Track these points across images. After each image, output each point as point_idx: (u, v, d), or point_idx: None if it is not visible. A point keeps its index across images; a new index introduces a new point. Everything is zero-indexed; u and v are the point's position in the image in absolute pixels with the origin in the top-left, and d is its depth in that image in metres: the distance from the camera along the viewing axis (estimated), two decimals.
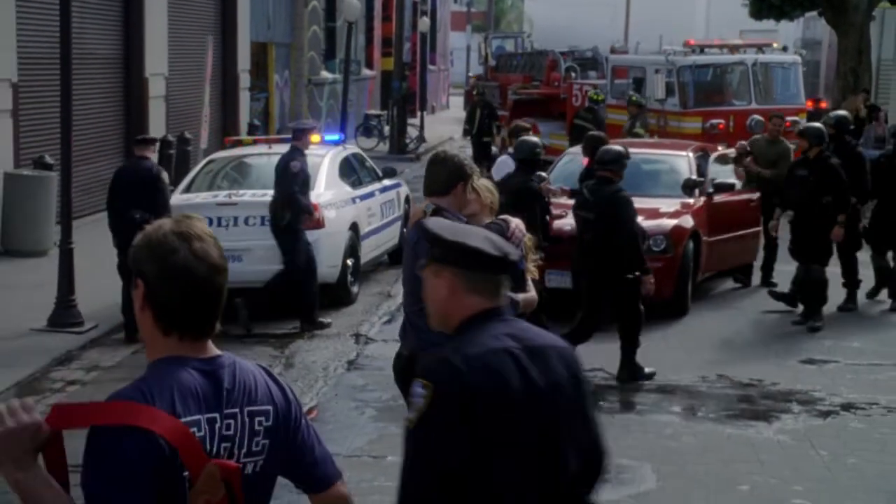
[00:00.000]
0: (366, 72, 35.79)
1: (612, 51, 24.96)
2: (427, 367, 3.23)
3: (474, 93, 25.83)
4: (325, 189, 12.55)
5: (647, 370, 9.73)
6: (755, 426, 8.67)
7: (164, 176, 11.72)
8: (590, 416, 3.33)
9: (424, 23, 37.92)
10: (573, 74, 24.37)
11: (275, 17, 26.95)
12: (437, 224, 3.57)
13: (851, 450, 8.22)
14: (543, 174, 13.23)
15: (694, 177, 13.04)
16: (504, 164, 11.99)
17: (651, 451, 7.99)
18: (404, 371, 5.89)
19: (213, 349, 2.95)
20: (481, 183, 6.08)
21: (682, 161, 13.46)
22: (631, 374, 9.69)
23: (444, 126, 39.93)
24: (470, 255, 3.30)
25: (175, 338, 2.84)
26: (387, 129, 31.70)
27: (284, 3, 27.82)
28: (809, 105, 23.32)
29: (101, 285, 12.00)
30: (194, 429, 2.74)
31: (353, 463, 7.86)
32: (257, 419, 2.91)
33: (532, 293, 5.95)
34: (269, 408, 2.96)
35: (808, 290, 11.47)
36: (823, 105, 28.42)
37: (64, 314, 11.38)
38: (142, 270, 2.82)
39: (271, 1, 26.57)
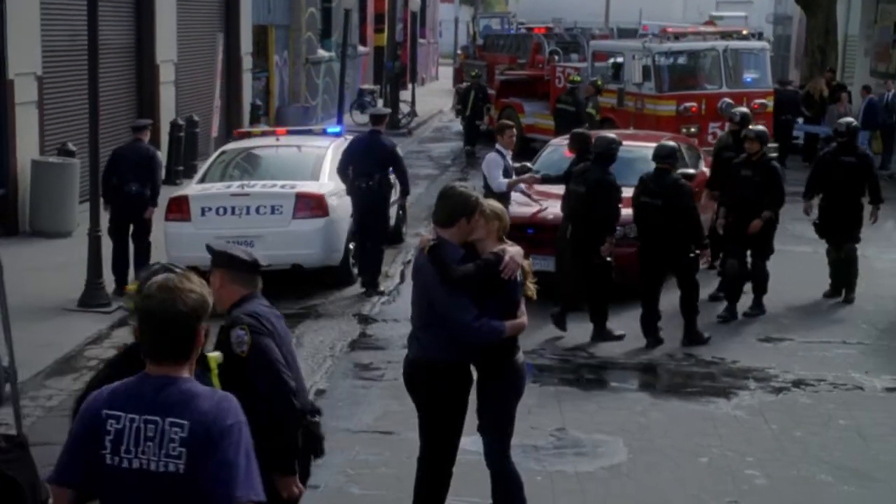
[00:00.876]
0: (360, 48, 36.20)
1: (593, 37, 25.49)
2: (240, 321, 5.22)
3: (472, 74, 26.02)
4: (329, 179, 13.15)
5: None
6: (716, 402, 9.39)
7: (158, 156, 13.14)
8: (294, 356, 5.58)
9: (415, 2, 38.35)
10: (556, 57, 24.94)
11: (274, 0, 27.41)
12: (218, 244, 5.62)
13: (799, 423, 8.95)
14: (528, 164, 13.98)
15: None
16: (493, 161, 12.48)
17: (623, 427, 8.70)
18: (411, 376, 6.58)
19: (177, 372, 3.68)
20: (491, 209, 6.41)
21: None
22: (692, 340, 10.77)
23: (434, 98, 40.29)
24: (230, 260, 5.40)
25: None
26: (380, 104, 32.19)
27: None
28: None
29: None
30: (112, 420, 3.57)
31: (363, 438, 8.56)
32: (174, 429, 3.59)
33: (521, 319, 6.39)
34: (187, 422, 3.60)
35: (755, 281, 11.97)
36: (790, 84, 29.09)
37: (93, 295, 12.04)
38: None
39: None
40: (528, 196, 12.90)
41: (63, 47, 16.46)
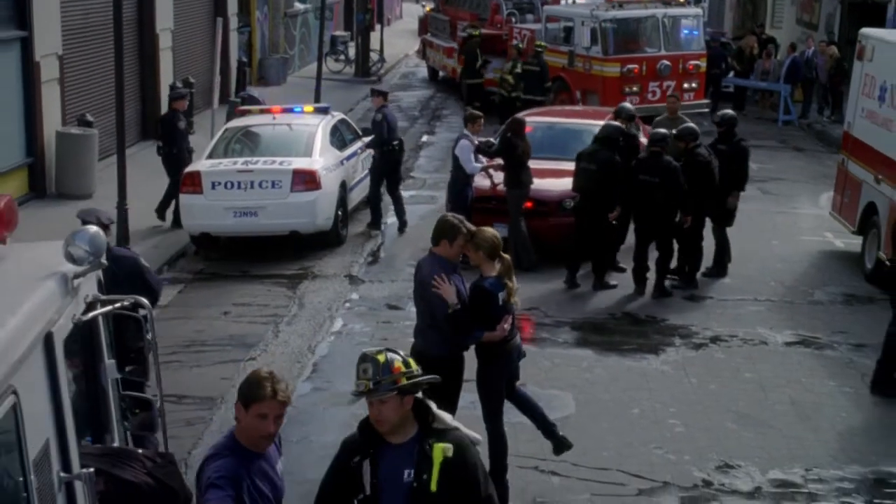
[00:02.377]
0: None
1: (545, 2, 26.35)
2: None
3: (466, 34, 25.57)
4: (320, 156, 14.23)
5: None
6: (647, 358, 10.69)
7: (181, 124, 14.98)
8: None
9: None
10: (513, 19, 25.85)
11: None
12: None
13: (713, 377, 10.28)
14: (492, 140, 15.11)
15: None
16: (466, 148, 13.42)
17: (572, 382, 9.99)
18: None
19: None
20: (479, 240, 7.49)
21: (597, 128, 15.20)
22: (660, 293, 12.37)
23: (401, 40, 40.68)
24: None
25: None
26: (352, 52, 32.89)
27: None
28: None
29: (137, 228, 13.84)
30: None
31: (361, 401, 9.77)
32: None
33: (496, 332, 7.55)
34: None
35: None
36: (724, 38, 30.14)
37: None
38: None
39: None
40: (488, 172, 13.96)
41: (79, 25, 17.27)
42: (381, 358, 4.51)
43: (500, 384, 7.89)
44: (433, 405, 4.66)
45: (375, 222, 15.26)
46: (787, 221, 16.10)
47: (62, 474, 3.99)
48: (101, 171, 16.73)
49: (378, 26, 36.79)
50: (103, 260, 4.41)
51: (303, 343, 11.02)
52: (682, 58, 22.62)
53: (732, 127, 13.52)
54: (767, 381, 10.20)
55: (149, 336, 4.78)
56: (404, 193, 15.96)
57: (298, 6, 32.12)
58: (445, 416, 4.68)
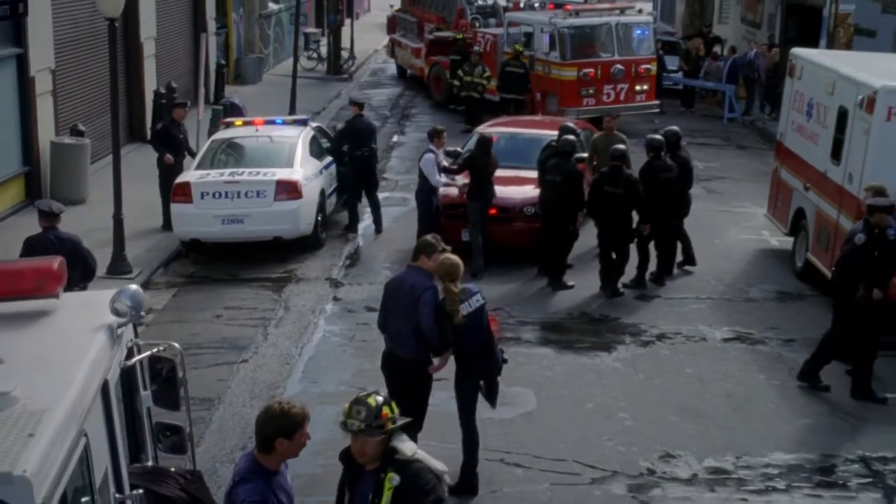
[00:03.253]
0: None
1: (506, 9, 26.97)
2: None
3: (432, 37, 26.44)
4: (301, 166, 14.86)
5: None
6: (601, 356, 11.48)
7: (180, 133, 15.71)
8: None
9: None
10: (477, 23, 26.49)
11: None
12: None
13: (659, 372, 11.09)
14: (459, 149, 15.82)
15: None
16: (430, 162, 14.10)
17: (533, 379, 10.75)
18: (401, 366, 8.57)
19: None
20: (442, 260, 8.32)
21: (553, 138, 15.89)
22: (614, 293, 13.23)
23: (370, 35, 41.07)
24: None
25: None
26: (324, 50, 33.37)
27: None
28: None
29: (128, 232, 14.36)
30: None
31: (342, 393, 10.40)
32: None
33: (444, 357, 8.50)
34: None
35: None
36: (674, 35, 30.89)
37: (119, 265, 13.77)
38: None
39: None
40: (454, 182, 14.62)
41: (69, 39, 17.75)
42: (372, 402, 5.20)
43: (474, 384, 8.63)
44: (399, 441, 5.24)
45: (352, 226, 15.95)
46: (728, 220, 16.93)
47: (117, 495, 4.71)
48: (93, 175, 17.30)
49: (348, 21, 37.24)
50: (143, 312, 5.10)
51: (290, 345, 11.71)
52: (635, 62, 23.42)
53: (673, 144, 14.05)
54: (706, 375, 11.02)
55: (180, 374, 5.46)
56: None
57: (272, 6, 32.56)
58: (407, 449, 5.24)
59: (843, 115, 12.99)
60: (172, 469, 5.48)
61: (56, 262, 5.21)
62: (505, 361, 8.73)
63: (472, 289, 8.52)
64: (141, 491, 4.80)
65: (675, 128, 14.67)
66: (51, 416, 3.98)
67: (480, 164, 13.79)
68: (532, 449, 9.26)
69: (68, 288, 10.06)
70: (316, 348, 11.67)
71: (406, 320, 8.45)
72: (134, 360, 5.22)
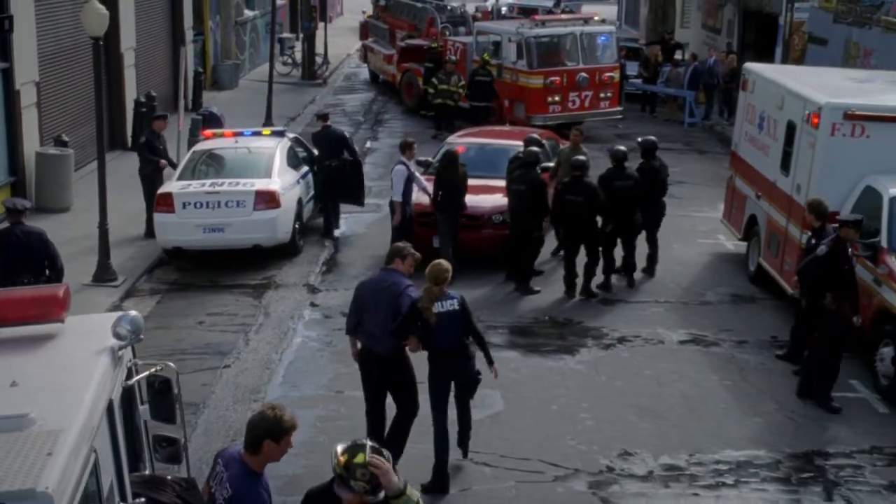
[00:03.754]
0: (278, 2, 37.27)
1: (475, 18, 27.38)
2: None
3: (404, 45, 26.67)
4: (279, 177, 15.23)
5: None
6: (564, 359, 11.95)
7: (160, 144, 16.02)
8: None
9: None
10: (447, 32, 26.90)
11: None
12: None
13: (619, 374, 11.57)
14: (430, 159, 16.25)
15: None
16: (399, 174, 14.45)
17: (501, 382, 10.93)
18: (380, 362, 9.09)
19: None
20: (433, 264, 8.92)
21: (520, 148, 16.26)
22: (587, 294, 13.81)
23: (343, 39, 41.18)
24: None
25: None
26: (298, 55, 33.60)
27: None
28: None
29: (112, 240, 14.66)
30: None
31: (321, 397, 10.89)
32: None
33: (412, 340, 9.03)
34: None
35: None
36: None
37: (104, 273, 14.11)
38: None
39: None
40: (426, 191, 15.03)
41: (52, 52, 18.01)
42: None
43: (443, 384, 9.08)
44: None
45: (327, 232, 16.33)
46: (686, 224, 17.43)
47: (121, 503, 5.11)
48: (76, 182, 17.58)
49: (322, 24, 37.41)
50: (141, 336, 5.50)
51: (270, 350, 12.10)
52: (599, 70, 23.94)
53: (648, 152, 14.77)
54: (663, 376, 11.52)
55: (176, 391, 5.85)
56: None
57: (248, 13, 32.80)
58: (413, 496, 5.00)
59: (791, 129, 13.53)
60: (169, 477, 5.87)
61: (61, 289, 5.59)
62: (478, 381, 9.24)
63: (452, 294, 8.97)
64: (143, 500, 5.20)
65: (652, 137, 15.32)
66: (66, 437, 4.37)
67: (446, 177, 14.20)
68: (499, 449, 9.71)
69: (37, 278, 10.76)
70: (295, 353, 12.07)
71: (384, 317, 8.94)
72: (134, 380, 5.61)
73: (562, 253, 14.55)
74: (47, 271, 11.24)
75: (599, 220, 13.94)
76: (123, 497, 5.16)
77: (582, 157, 14.30)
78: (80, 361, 5.24)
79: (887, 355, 11.00)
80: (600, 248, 13.95)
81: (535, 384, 11.26)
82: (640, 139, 15.36)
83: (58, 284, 5.65)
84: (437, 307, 8.83)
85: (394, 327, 8.92)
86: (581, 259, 13.92)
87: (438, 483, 9.04)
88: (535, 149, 14.38)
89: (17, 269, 11.03)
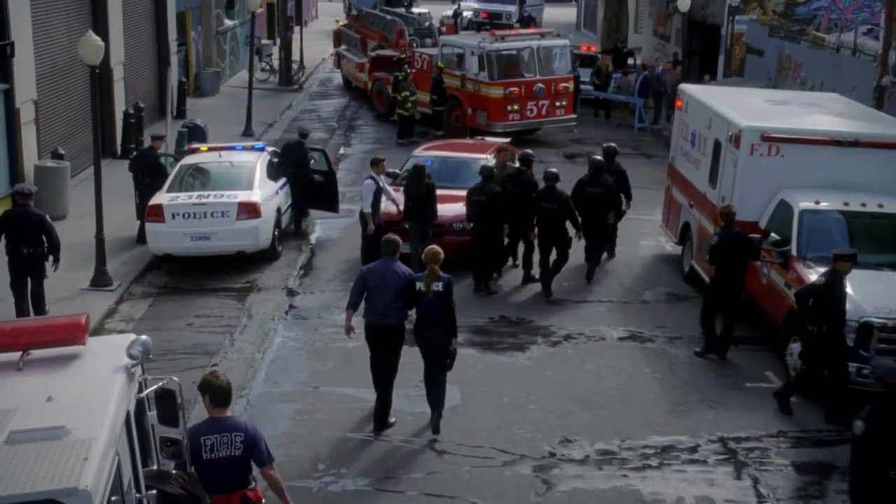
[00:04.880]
0: (257, 11, 37.85)
1: (440, 32, 28.22)
2: None
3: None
4: (259, 188, 16.08)
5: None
6: (516, 356, 12.90)
7: (163, 160, 17.02)
8: None
9: None
10: (414, 43, 27.75)
11: None
12: None
13: (563, 369, 12.53)
14: (397, 171, 17.13)
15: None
16: (368, 188, 15.28)
17: (459, 378, 11.98)
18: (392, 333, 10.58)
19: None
20: (429, 248, 10.60)
21: (482, 160, 17.22)
22: (547, 296, 14.84)
23: (318, 43, 41.84)
24: None
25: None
26: (276, 62, 34.31)
27: None
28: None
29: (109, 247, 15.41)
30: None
31: (299, 392, 11.75)
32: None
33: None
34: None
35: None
36: (593, 48, 32.40)
37: (101, 278, 14.90)
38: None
39: None
40: (394, 202, 15.91)
41: (48, 71, 18.73)
42: None
43: (424, 348, 10.75)
44: None
45: (297, 227, 17.64)
46: (631, 227, 18.32)
47: (137, 495, 6.02)
48: (72, 190, 18.31)
49: (297, 28, 37.99)
50: (150, 356, 6.39)
51: (254, 350, 12.98)
52: (554, 81, 24.91)
53: (610, 157, 16.21)
54: (602, 370, 12.51)
55: (179, 401, 6.74)
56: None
57: (228, 23, 33.46)
58: None
59: (717, 147, 14.55)
60: (173, 471, 6.78)
61: (83, 318, 6.47)
62: (454, 351, 10.74)
63: (443, 276, 10.55)
64: (154, 491, 6.11)
65: (612, 144, 16.84)
66: (97, 444, 5.27)
67: (412, 189, 15.10)
68: (456, 437, 10.66)
69: (40, 255, 12.88)
70: (276, 352, 12.93)
71: (393, 297, 10.42)
72: (144, 392, 6.50)
73: (519, 262, 15.61)
74: (46, 244, 13.03)
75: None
76: (139, 489, 6.07)
77: (554, 170, 15.36)
78: (101, 378, 6.12)
79: (795, 350, 12.04)
80: (569, 251, 15.05)
81: (489, 379, 12.19)
82: (604, 144, 16.75)
83: (79, 314, 6.48)
84: (435, 286, 10.36)
85: (404, 303, 10.59)
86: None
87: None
88: (490, 164, 15.32)
89: (20, 241, 12.95)
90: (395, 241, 10.85)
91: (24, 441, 5.19)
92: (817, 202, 13.04)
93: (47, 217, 13.32)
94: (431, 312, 10.51)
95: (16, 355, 6.12)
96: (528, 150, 16.79)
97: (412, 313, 10.80)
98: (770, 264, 12.82)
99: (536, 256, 15.17)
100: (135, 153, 17.09)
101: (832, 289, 11.09)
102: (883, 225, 13.07)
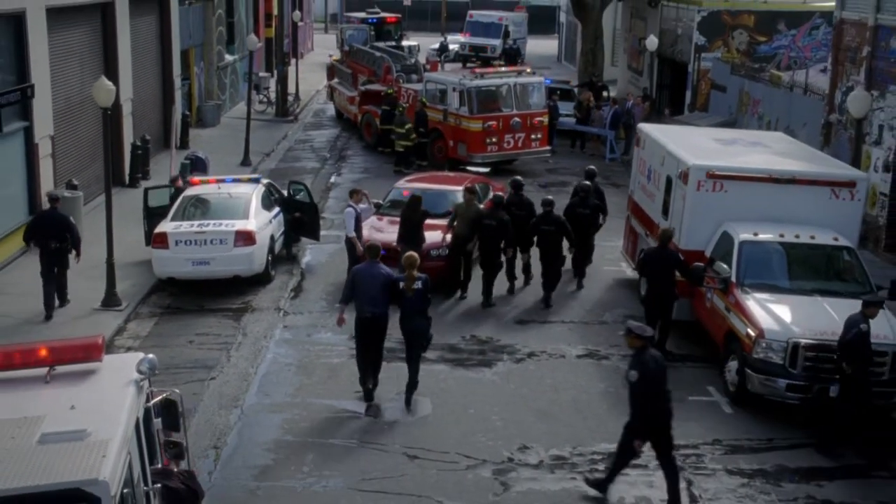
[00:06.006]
0: (256, 44, 38.91)
1: (425, 69, 29.25)
2: None
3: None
4: (254, 218, 17.04)
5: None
6: (483, 371, 13.81)
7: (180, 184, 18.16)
8: None
9: (297, 15, 41.19)
10: (401, 80, 28.80)
11: (193, 28, 30.28)
12: None
13: (525, 383, 13.44)
14: (380, 201, 18.11)
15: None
16: (349, 215, 16.31)
17: (431, 391, 12.98)
18: (375, 321, 12.16)
19: None
20: (407, 255, 12.25)
21: (458, 193, 18.08)
22: (547, 304, 16.46)
23: (312, 75, 42.92)
24: None
25: None
26: (272, 94, 35.33)
27: (198, 15, 31.10)
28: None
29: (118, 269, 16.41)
30: None
31: (288, 404, 12.63)
32: None
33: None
34: None
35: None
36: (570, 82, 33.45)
37: (111, 299, 15.82)
38: None
39: (190, 17, 29.90)
40: (380, 229, 16.89)
41: (63, 109, 19.69)
42: None
43: (406, 336, 12.52)
44: None
45: (288, 253, 18.63)
46: (596, 253, 19.23)
47: (144, 488, 6.95)
48: (84, 216, 19.19)
49: (294, 60, 39.03)
50: (156, 372, 7.33)
51: (248, 365, 13.89)
52: (530, 115, 25.94)
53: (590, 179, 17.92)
54: (560, 385, 13.43)
55: (181, 409, 7.69)
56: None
57: (228, 58, 34.49)
58: None
59: (669, 182, 15.56)
60: (175, 469, 7.71)
61: (100, 338, 7.42)
62: (430, 337, 12.38)
63: (420, 276, 12.36)
64: (159, 485, 7.05)
65: (592, 167, 18.93)
66: (113, 444, 6.21)
67: (408, 216, 16.11)
68: (426, 444, 11.58)
69: (65, 249, 15.18)
70: (268, 367, 13.83)
71: (380, 291, 12.35)
72: (151, 402, 7.44)
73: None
74: (69, 239, 15.31)
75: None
76: (146, 483, 7.01)
77: (550, 197, 17.05)
78: (115, 390, 7.07)
79: (733, 367, 13.01)
80: (561, 268, 16.70)
81: (458, 392, 13.11)
82: (586, 167, 19.02)
83: (96, 335, 7.42)
84: (415, 285, 12.28)
85: (389, 299, 12.42)
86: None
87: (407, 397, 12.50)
88: (500, 194, 17.37)
89: (49, 237, 15.27)
90: (378, 246, 12.93)
91: (52, 442, 6.13)
92: (755, 234, 14.01)
93: (70, 218, 15.63)
94: (413, 306, 12.37)
95: (43, 371, 7.07)
96: (518, 177, 18.50)
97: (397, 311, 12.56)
98: (713, 290, 13.79)
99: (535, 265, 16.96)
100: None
101: (864, 334, 11.59)
102: (814, 255, 14.05)
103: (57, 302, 15.38)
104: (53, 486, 5.72)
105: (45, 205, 16.22)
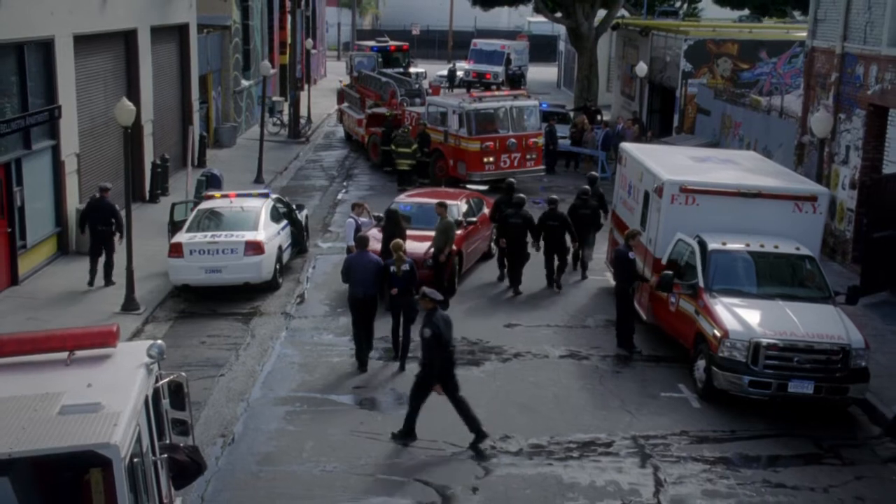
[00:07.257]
0: (270, 70, 39.67)
1: (428, 93, 29.92)
2: None
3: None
4: (263, 230, 17.64)
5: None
6: (471, 370, 14.31)
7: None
8: None
9: (309, 42, 41.99)
10: (405, 103, 29.47)
11: (211, 55, 31.05)
12: None
13: (510, 381, 13.95)
14: (380, 214, 18.67)
15: (461, 217, 18.58)
16: (350, 227, 17.05)
17: None
18: (365, 300, 13.60)
19: None
20: (395, 242, 13.68)
21: (454, 206, 18.78)
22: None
23: (325, 100, 43.68)
24: None
25: None
26: (286, 117, 36.06)
27: (216, 43, 31.89)
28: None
29: (137, 277, 17.08)
30: None
31: (290, 398, 13.18)
32: None
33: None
34: None
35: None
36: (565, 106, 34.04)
37: (130, 304, 16.41)
38: None
39: (208, 44, 30.67)
40: (380, 240, 17.38)
41: (88, 128, 20.37)
42: None
43: (395, 311, 14.21)
44: None
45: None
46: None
47: (153, 458, 7.51)
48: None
49: (306, 86, 39.78)
50: (164, 356, 7.90)
51: (254, 363, 14.45)
52: (525, 136, 26.53)
53: (591, 183, 19.31)
54: (542, 382, 13.94)
55: (186, 391, 8.24)
56: (322, 245, 19.71)
57: (244, 83, 35.25)
58: None
59: (647, 196, 16.11)
60: (181, 444, 8.26)
61: (115, 327, 8.00)
62: (417, 311, 13.15)
63: (408, 259, 14.01)
64: (165, 455, 7.60)
65: (594, 173, 20.24)
66: (123, 416, 6.78)
67: (390, 231, 16.61)
68: (417, 433, 12.10)
69: (110, 233, 17.19)
70: (273, 365, 14.39)
71: (370, 275, 13.90)
72: (160, 383, 8.01)
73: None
74: (114, 224, 17.22)
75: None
76: (154, 453, 7.57)
77: (555, 196, 18.65)
78: (127, 371, 7.64)
79: (701, 366, 13.52)
80: (568, 257, 18.23)
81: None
82: (590, 173, 20.91)
83: (111, 324, 8.01)
84: (403, 267, 13.84)
85: (379, 281, 14.05)
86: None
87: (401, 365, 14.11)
88: (522, 195, 18.72)
89: (97, 221, 17.21)
90: (367, 237, 14.49)
91: (70, 413, 6.71)
92: (724, 243, 14.54)
93: (116, 206, 17.54)
94: (401, 285, 14.01)
95: (64, 354, 7.65)
96: (554, 195, 19.80)
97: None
98: (679, 295, 14.30)
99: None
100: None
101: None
102: (777, 263, 14.56)
103: (103, 281, 17.23)
104: (71, 449, 6.30)
105: (96, 194, 17.79)
